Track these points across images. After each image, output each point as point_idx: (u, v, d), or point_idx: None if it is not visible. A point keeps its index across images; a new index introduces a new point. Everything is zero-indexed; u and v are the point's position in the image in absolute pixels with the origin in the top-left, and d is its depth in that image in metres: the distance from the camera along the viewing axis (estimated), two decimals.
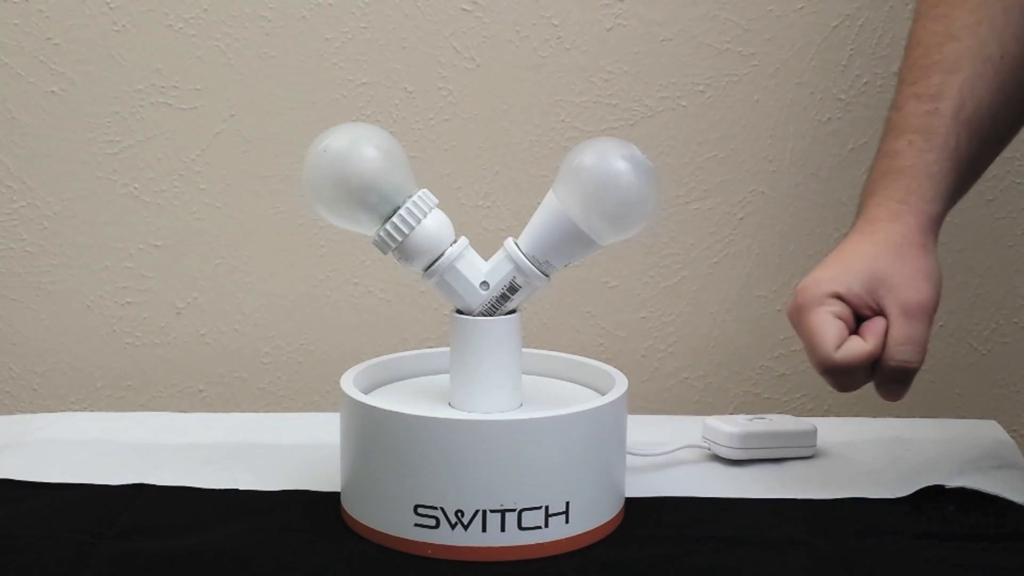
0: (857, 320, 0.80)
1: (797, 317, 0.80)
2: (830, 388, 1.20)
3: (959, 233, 1.17)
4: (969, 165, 0.83)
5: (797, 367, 1.20)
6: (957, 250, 1.17)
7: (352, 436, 0.81)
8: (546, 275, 0.81)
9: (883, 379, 0.78)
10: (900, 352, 0.77)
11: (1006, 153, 1.14)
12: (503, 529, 0.77)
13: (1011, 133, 0.87)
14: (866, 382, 0.80)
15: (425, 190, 0.80)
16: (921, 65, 0.83)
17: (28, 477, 0.90)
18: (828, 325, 0.78)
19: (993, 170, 1.15)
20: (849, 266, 0.80)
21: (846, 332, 0.78)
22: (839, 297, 0.79)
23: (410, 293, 1.18)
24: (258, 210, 1.17)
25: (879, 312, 0.79)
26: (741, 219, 1.17)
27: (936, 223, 0.81)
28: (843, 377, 0.79)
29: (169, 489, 0.88)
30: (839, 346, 0.78)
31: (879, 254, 0.79)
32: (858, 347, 0.78)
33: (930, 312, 0.78)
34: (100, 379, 1.20)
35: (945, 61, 0.82)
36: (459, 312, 0.82)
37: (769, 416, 0.97)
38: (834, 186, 1.16)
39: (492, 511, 0.76)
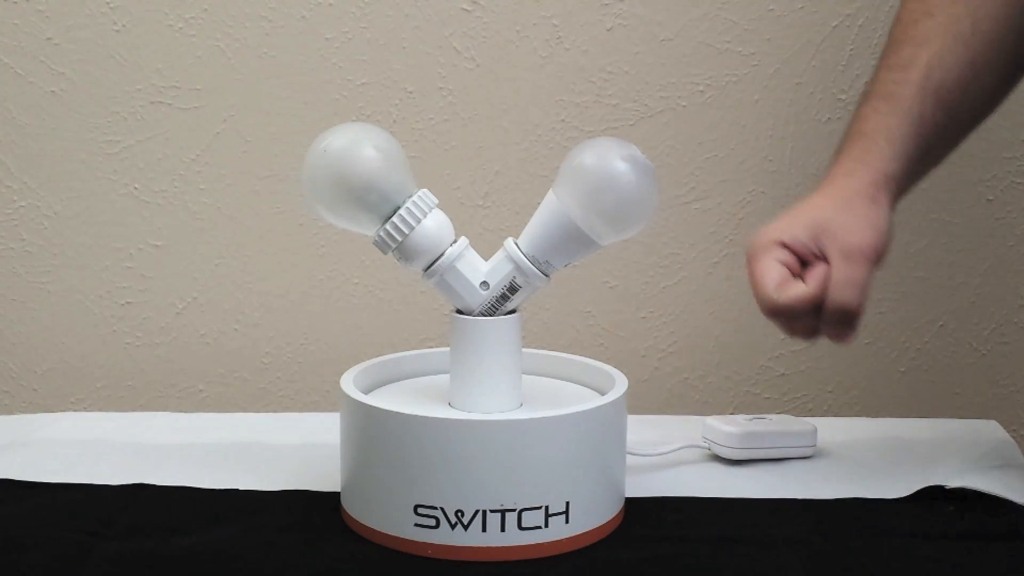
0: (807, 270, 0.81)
1: (747, 265, 0.82)
2: (830, 388, 1.20)
3: (959, 233, 1.17)
4: (936, 134, 0.84)
5: (797, 367, 1.20)
6: (957, 250, 1.17)
7: (352, 436, 0.81)
8: (546, 275, 0.81)
9: (826, 321, 0.79)
10: (840, 293, 0.78)
11: (1006, 153, 1.15)
12: (503, 529, 0.77)
13: (983, 110, 0.88)
14: (813, 327, 0.81)
15: (425, 190, 0.80)
16: (897, 40, 0.85)
17: (28, 477, 0.90)
18: (770, 269, 0.80)
19: (993, 170, 1.15)
20: (797, 216, 0.82)
21: (789, 276, 0.80)
22: (784, 245, 0.81)
23: (410, 293, 1.18)
24: (258, 210, 1.17)
25: (823, 259, 0.80)
26: (741, 219, 1.17)
27: (892, 181, 0.82)
28: (786, 319, 0.81)
29: (169, 489, 0.88)
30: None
31: (827, 205, 0.81)
32: (798, 290, 0.79)
33: (870, 256, 0.79)
34: (100, 379, 1.20)
35: (918, 36, 0.84)
36: (459, 312, 0.82)
37: (769, 416, 0.97)
38: None
39: (492, 511, 0.76)
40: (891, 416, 1.15)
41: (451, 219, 0.81)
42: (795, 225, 0.81)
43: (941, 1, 0.84)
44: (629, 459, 0.85)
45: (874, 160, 0.82)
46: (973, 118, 0.87)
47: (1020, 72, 0.89)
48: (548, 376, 0.91)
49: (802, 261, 0.81)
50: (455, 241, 0.81)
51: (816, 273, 0.79)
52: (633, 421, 0.85)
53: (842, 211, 0.80)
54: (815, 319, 0.80)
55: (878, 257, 0.79)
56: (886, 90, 0.83)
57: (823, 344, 1.18)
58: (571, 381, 0.90)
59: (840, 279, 0.78)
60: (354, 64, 1.14)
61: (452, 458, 0.76)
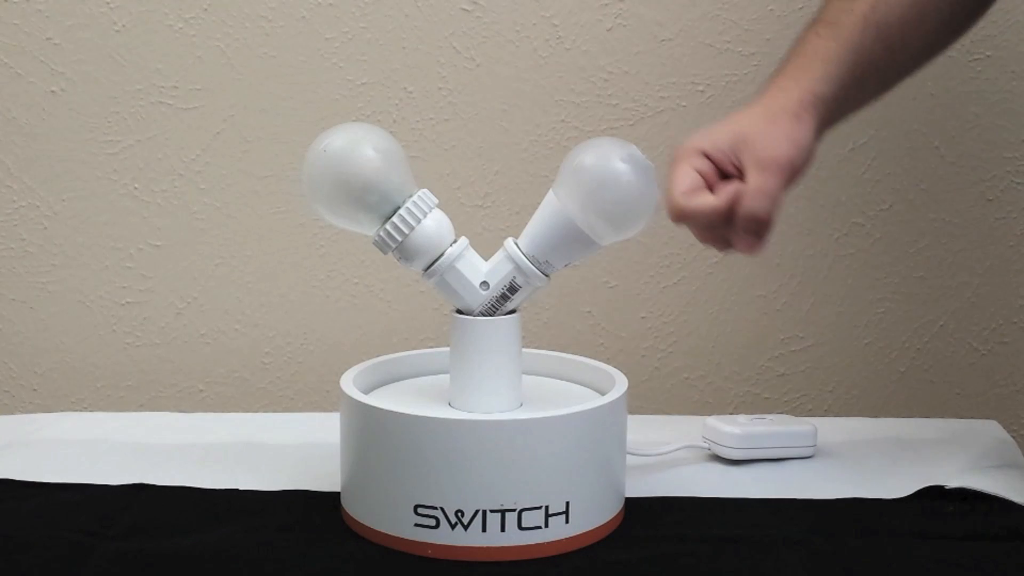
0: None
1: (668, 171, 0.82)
2: (830, 388, 1.20)
3: (959, 233, 1.17)
4: (873, 66, 0.84)
5: (797, 367, 1.20)
6: (957, 250, 1.17)
7: (352, 436, 0.81)
8: (546, 275, 0.81)
9: (737, 230, 0.79)
10: (750, 201, 0.78)
11: (1006, 153, 1.15)
12: (503, 529, 0.77)
13: (925, 52, 0.88)
14: (724, 239, 0.81)
15: (425, 190, 0.80)
16: None
17: (28, 477, 0.90)
18: (684, 176, 0.80)
19: (993, 170, 1.15)
20: (722, 126, 0.82)
21: (701, 183, 0.80)
22: (705, 154, 0.81)
23: (410, 293, 1.18)
24: (258, 210, 1.17)
25: (741, 175, 0.80)
26: None
27: (821, 102, 0.82)
28: (693, 227, 0.81)
29: (169, 489, 0.88)
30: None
31: (751, 118, 0.81)
32: (705, 199, 0.79)
33: (785, 169, 0.79)
34: (100, 379, 1.20)
35: None
36: (459, 312, 0.82)
37: (769, 416, 0.97)
38: (834, 186, 1.16)
39: (492, 511, 0.76)
40: (891, 416, 1.15)
41: (451, 219, 0.81)
42: (718, 134, 0.81)
43: None
44: (629, 459, 0.85)
45: (806, 80, 0.82)
46: (913, 59, 0.88)
47: (967, 22, 0.90)
48: (548, 376, 0.91)
49: (724, 174, 0.81)
50: (455, 241, 0.81)
51: (726, 188, 0.79)
52: (633, 421, 0.85)
53: (765, 124, 0.80)
54: (726, 230, 0.80)
55: (793, 171, 0.79)
56: (831, 17, 0.84)
57: (823, 344, 1.19)
58: (571, 381, 0.90)
59: (752, 188, 0.78)
60: (354, 64, 1.14)
61: (452, 458, 0.76)
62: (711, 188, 0.80)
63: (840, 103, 0.83)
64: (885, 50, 0.84)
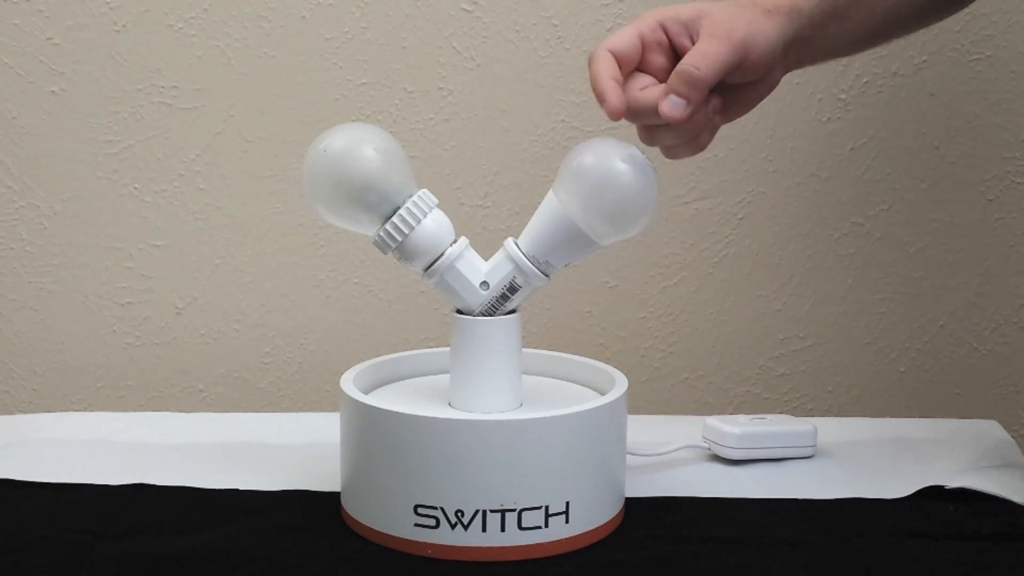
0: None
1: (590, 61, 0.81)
2: (830, 388, 1.20)
3: (959, 233, 1.17)
4: (854, 3, 0.83)
5: (797, 367, 1.20)
6: (957, 250, 1.17)
7: (352, 436, 0.81)
8: (546, 275, 0.81)
9: (669, 84, 0.78)
10: (687, 58, 0.77)
11: (1006, 153, 1.15)
12: (503, 529, 0.77)
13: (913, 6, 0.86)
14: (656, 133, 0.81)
15: (425, 190, 0.80)
16: None
17: (28, 477, 0.90)
18: (625, 37, 0.80)
19: (993, 170, 1.15)
20: (684, 4, 0.81)
21: (638, 45, 0.80)
22: (662, 25, 0.81)
23: (410, 293, 1.18)
24: (258, 210, 1.17)
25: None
26: (741, 219, 1.17)
27: (796, 12, 0.81)
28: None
29: (169, 489, 0.88)
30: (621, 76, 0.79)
31: (718, 4, 0.81)
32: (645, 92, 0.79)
33: (736, 45, 0.78)
34: (100, 379, 1.20)
35: None
36: (459, 312, 0.82)
37: (769, 416, 0.97)
38: (834, 186, 1.16)
39: (492, 511, 0.76)
40: (891, 416, 1.15)
41: (451, 219, 0.81)
42: (679, 8, 0.81)
43: None
44: (629, 459, 0.85)
45: None
46: (899, 4, 0.85)
47: None
48: (548, 376, 0.91)
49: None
50: (455, 241, 0.81)
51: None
52: (633, 421, 0.85)
53: (730, 8, 0.80)
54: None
55: (743, 53, 0.78)
56: None
57: (823, 344, 1.19)
58: (571, 381, 0.90)
59: (695, 50, 0.78)
60: (354, 64, 1.14)
61: (452, 458, 0.76)
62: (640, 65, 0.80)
63: (818, 27, 0.82)
64: None
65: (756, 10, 0.80)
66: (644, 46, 0.81)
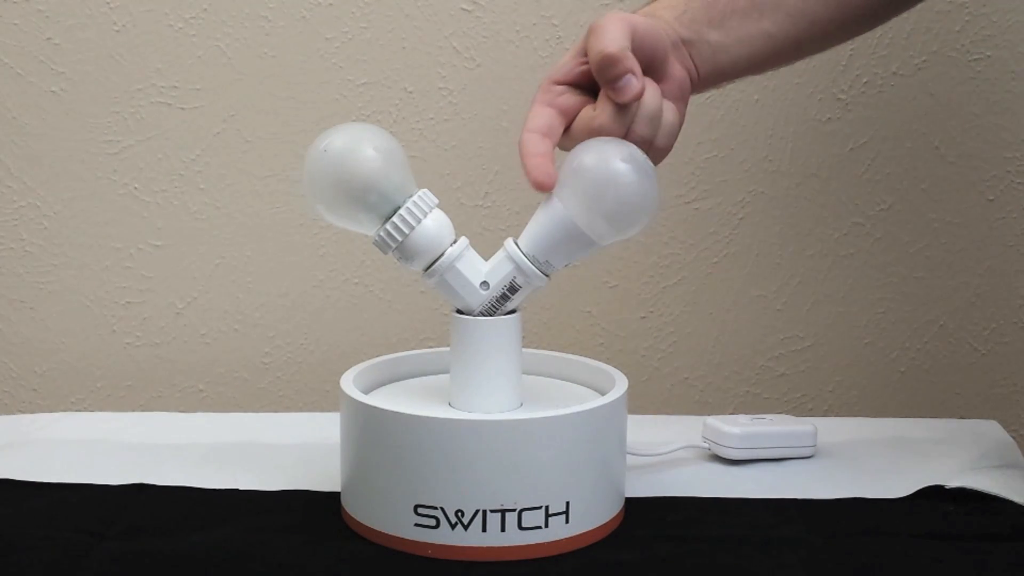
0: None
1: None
2: (830, 388, 1.20)
3: (959, 233, 1.17)
4: (730, 11, 0.83)
5: (797, 367, 1.20)
6: (957, 250, 1.17)
7: (352, 436, 0.81)
8: (546, 275, 0.81)
9: (603, 86, 0.79)
10: (593, 51, 0.78)
11: (1006, 153, 1.15)
12: (503, 529, 0.77)
13: (802, 11, 0.86)
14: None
15: (425, 190, 0.80)
16: None
17: (28, 477, 0.90)
18: (537, 115, 0.81)
19: (993, 170, 1.15)
20: (567, 53, 0.83)
21: (552, 117, 0.81)
22: (554, 81, 0.82)
23: (410, 293, 1.18)
24: (258, 210, 1.17)
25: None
26: (741, 219, 1.17)
27: (656, 17, 0.82)
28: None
29: (169, 489, 0.88)
30: (544, 127, 0.80)
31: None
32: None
33: (613, 19, 0.78)
34: (100, 379, 1.20)
35: None
36: (459, 312, 0.82)
37: (769, 416, 0.97)
38: (834, 186, 1.16)
39: (492, 511, 0.76)
40: (891, 416, 1.15)
41: (451, 219, 0.81)
42: (563, 58, 0.82)
43: None
44: (629, 459, 0.85)
45: (650, 7, 0.84)
46: (790, 18, 0.85)
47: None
48: (548, 376, 0.91)
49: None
50: (455, 241, 0.81)
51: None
52: (633, 421, 0.85)
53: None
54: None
55: (625, 22, 0.78)
56: None
57: (823, 344, 1.19)
58: (571, 381, 0.90)
59: (592, 44, 0.78)
60: (354, 64, 1.14)
61: (452, 458, 0.76)
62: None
63: (694, 32, 0.82)
64: (748, 2, 0.83)
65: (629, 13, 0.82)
66: (552, 106, 0.81)
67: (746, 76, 0.88)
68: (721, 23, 0.83)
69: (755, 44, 0.85)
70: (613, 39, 0.78)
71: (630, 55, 0.78)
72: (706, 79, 0.85)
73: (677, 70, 0.82)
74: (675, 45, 0.82)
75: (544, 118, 0.81)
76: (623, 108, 0.79)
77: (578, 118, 0.81)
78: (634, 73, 0.78)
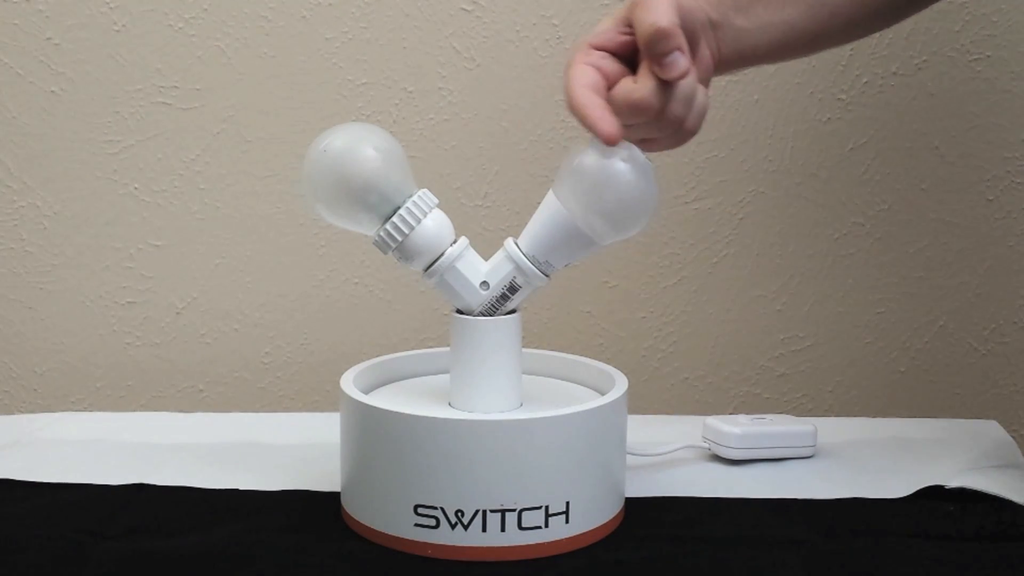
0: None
1: (564, 79, 0.80)
2: (830, 388, 1.20)
3: (959, 233, 1.17)
4: None
5: (797, 367, 1.20)
6: (957, 250, 1.17)
7: (352, 436, 0.81)
8: (546, 275, 0.81)
9: (644, 52, 0.77)
10: (643, 24, 0.76)
11: (1006, 153, 1.15)
12: (503, 529, 0.77)
13: (823, 0, 0.86)
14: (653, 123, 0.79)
15: (425, 190, 0.80)
16: None
17: (28, 477, 0.90)
18: (581, 72, 0.79)
19: (993, 170, 1.15)
20: (605, 20, 0.81)
21: (598, 77, 0.78)
22: (593, 47, 0.80)
23: (410, 293, 1.18)
24: (258, 210, 1.17)
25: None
26: (741, 219, 1.17)
27: None
28: (623, 115, 0.78)
29: (169, 489, 0.88)
30: (593, 84, 0.78)
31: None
32: (626, 87, 0.78)
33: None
34: (100, 379, 1.20)
35: None
36: (459, 312, 0.82)
37: (769, 416, 0.97)
38: (834, 186, 1.16)
39: (492, 511, 0.76)
40: (891, 416, 1.15)
41: (451, 219, 0.81)
42: (601, 24, 0.80)
43: None
44: (629, 459, 0.85)
45: None
46: (811, 8, 0.85)
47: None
48: (548, 376, 0.91)
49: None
50: (455, 241, 0.81)
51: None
52: (633, 421, 0.85)
53: None
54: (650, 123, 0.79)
55: (679, 5, 0.77)
56: None
57: (823, 344, 1.19)
58: (571, 381, 0.90)
59: (641, 16, 0.76)
60: (354, 64, 1.14)
61: (452, 458, 0.76)
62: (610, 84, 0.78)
63: (721, 15, 0.82)
64: None
65: None
66: (594, 67, 0.79)
67: (761, 64, 0.88)
68: (747, 8, 0.83)
69: (775, 32, 0.84)
70: (663, 12, 0.76)
71: (679, 32, 0.76)
72: (725, 63, 0.84)
73: (705, 52, 0.81)
74: (704, 26, 0.81)
75: (591, 76, 0.78)
76: (665, 84, 0.77)
77: (617, 88, 0.78)
78: (682, 50, 0.76)
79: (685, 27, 0.77)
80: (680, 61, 0.76)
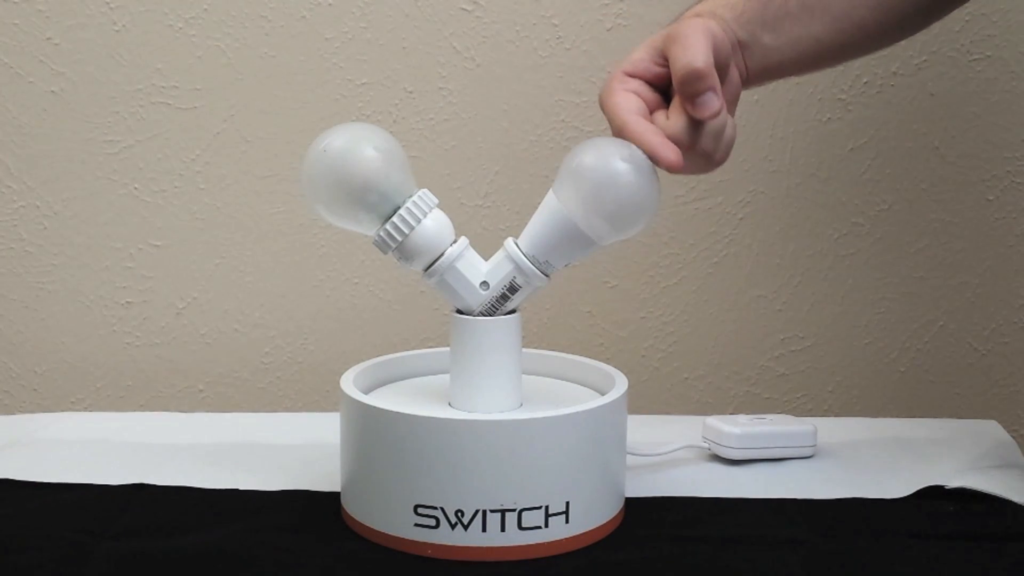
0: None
1: (603, 105, 0.82)
2: (830, 388, 1.20)
3: (959, 233, 1.17)
4: (786, 13, 0.83)
5: (797, 367, 1.20)
6: (957, 250, 1.17)
7: (352, 436, 0.81)
8: (546, 275, 0.81)
9: (680, 92, 0.79)
10: (679, 63, 0.77)
11: (1006, 153, 1.15)
12: (503, 529, 0.77)
13: (856, 26, 0.86)
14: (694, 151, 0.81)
15: (425, 190, 0.80)
16: None
17: (28, 477, 0.90)
18: (625, 99, 0.80)
19: (993, 170, 1.15)
20: (639, 48, 0.82)
21: (642, 104, 0.80)
22: (629, 75, 0.81)
23: (410, 293, 1.18)
24: (258, 210, 1.17)
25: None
26: (741, 219, 1.17)
27: (719, 19, 0.81)
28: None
29: (169, 489, 0.88)
30: (640, 111, 0.80)
31: (661, 32, 0.82)
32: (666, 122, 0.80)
33: (700, 30, 0.78)
34: (100, 379, 1.20)
35: None
36: (459, 312, 0.82)
37: (769, 416, 0.97)
38: (834, 186, 1.16)
39: (492, 511, 0.76)
40: (891, 416, 1.15)
41: (451, 219, 0.81)
42: (633, 54, 0.81)
43: None
44: (629, 459, 0.85)
45: (706, 5, 0.83)
46: (838, 27, 0.86)
47: (913, 19, 0.89)
48: (548, 376, 0.91)
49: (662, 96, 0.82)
50: (455, 241, 0.81)
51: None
52: (633, 421, 0.85)
53: (673, 26, 0.81)
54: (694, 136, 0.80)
55: (709, 35, 0.78)
56: None
57: (823, 344, 1.19)
58: (571, 381, 0.90)
59: (677, 55, 0.78)
60: (354, 64, 1.14)
61: (452, 458, 0.76)
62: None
63: (749, 34, 0.82)
64: (799, 5, 0.83)
65: (688, 18, 0.81)
66: (635, 94, 0.81)
67: (786, 77, 0.89)
68: (775, 26, 0.83)
69: (802, 47, 0.85)
70: (699, 52, 0.77)
71: (714, 71, 0.78)
72: (752, 80, 0.85)
73: (734, 74, 0.82)
74: (733, 48, 0.82)
75: (636, 103, 0.80)
76: (696, 121, 0.79)
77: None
78: (715, 91, 0.78)
79: (718, 60, 0.79)
80: (713, 102, 0.78)
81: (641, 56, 0.81)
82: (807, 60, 0.87)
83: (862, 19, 0.86)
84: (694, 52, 0.77)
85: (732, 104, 0.83)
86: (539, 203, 0.81)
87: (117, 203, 1.16)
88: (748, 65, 0.84)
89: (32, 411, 1.17)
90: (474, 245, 0.82)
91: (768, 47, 0.84)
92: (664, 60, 0.80)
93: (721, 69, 0.80)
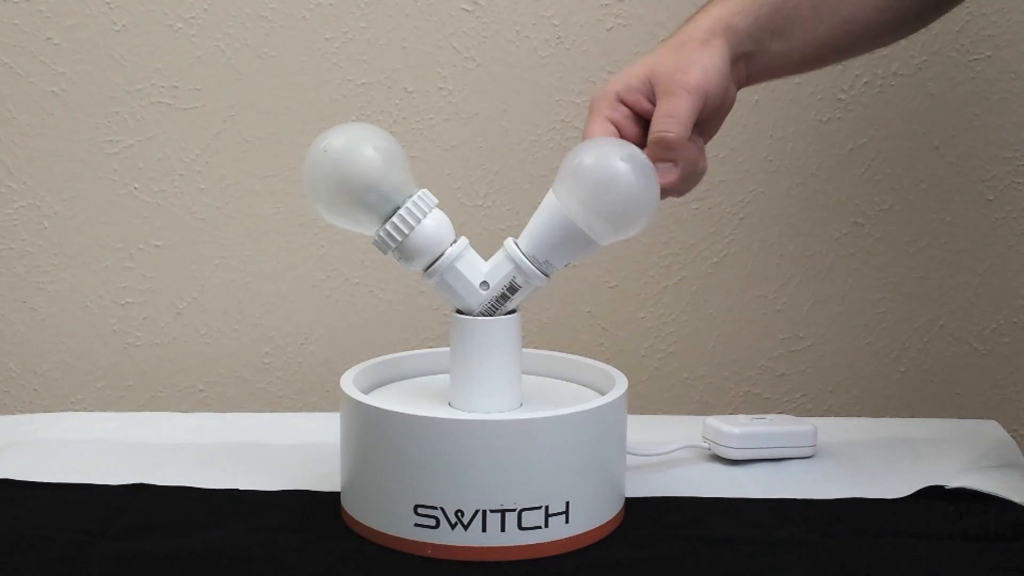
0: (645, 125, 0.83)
1: (588, 116, 0.84)
2: (830, 388, 1.20)
3: (959, 233, 1.17)
4: (796, 16, 0.84)
5: (797, 367, 1.20)
6: (957, 250, 1.17)
7: (352, 436, 0.81)
8: (546, 275, 0.81)
9: (651, 155, 0.80)
10: (658, 124, 0.80)
11: (1006, 153, 1.15)
12: (503, 529, 0.77)
13: (862, 27, 0.87)
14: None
15: (425, 190, 0.80)
16: None
17: (28, 477, 0.90)
18: (599, 128, 0.82)
19: (993, 170, 1.15)
20: (633, 68, 0.83)
21: (615, 131, 0.82)
22: (620, 99, 0.82)
23: (410, 293, 1.18)
24: (258, 210, 1.17)
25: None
26: (741, 219, 1.17)
27: (732, 32, 0.82)
28: None
29: (169, 489, 0.88)
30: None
31: (661, 52, 0.83)
32: None
33: (693, 92, 0.79)
34: (100, 379, 1.20)
35: None
36: (459, 312, 0.82)
37: (769, 416, 0.97)
38: (834, 186, 1.16)
39: (492, 511, 0.76)
40: (891, 416, 1.15)
41: (451, 219, 0.81)
42: (631, 74, 0.82)
43: None
44: (629, 459, 0.85)
45: (719, 10, 0.83)
46: (846, 28, 0.86)
47: (915, 18, 0.90)
48: (548, 376, 0.91)
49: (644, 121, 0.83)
50: (455, 241, 0.81)
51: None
52: (633, 421, 0.85)
53: (672, 54, 0.82)
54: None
55: (702, 95, 0.80)
56: None
57: (823, 344, 1.19)
58: (571, 381, 0.90)
59: (660, 112, 0.80)
60: (354, 64, 1.14)
61: (452, 458, 0.76)
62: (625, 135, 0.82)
63: (758, 43, 0.83)
64: (811, 8, 0.84)
65: (693, 43, 0.82)
66: (616, 126, 0.83)
67: (787, 77, 0.89)
68: (784, 32, 0.84)
69: (807, 50, 0.86)
70: (678, 122, 0.79)
71: (684, 146, 0.80)
72: (752, 81, 0.86)
73: (729, 94, 0.83)
74: (735, 64, 0.83)
75: (610, 131, 0.82)
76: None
77: None
78: (676, 164, 0.80)
79: (708, 109, 0.80)
80: (669, 175, 0.80)
81: (637, 85, 0.82)
82: (809, 62, 0.87)
83: (869, 20, 0.86)
84: (675, 120, 0.79)
85: (721, 120, 0.84)
86: (539, 203, 0.81)
87: (117, 203, 1.16)
88: (749, 72, 0.84)
89: (32, 411, 1.17)
90: (474, 245, 0.82)
91: (774, 53, 0.84)
92: (655, 97, 0.81)
93: (715, 119, 0.82)
